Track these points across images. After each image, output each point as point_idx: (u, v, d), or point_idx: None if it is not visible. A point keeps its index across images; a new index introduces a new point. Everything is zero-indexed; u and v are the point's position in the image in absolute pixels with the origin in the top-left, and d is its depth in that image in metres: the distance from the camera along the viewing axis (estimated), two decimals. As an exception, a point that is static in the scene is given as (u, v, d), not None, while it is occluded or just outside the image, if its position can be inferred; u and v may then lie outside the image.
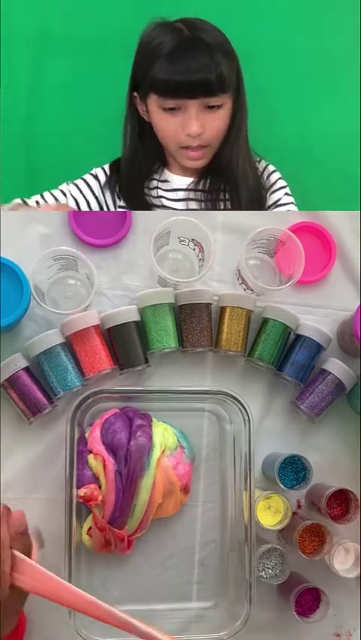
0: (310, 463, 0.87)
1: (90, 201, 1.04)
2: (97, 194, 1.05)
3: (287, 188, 1.05)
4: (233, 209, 1.02)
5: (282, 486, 0.86)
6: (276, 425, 0.94)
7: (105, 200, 1.05)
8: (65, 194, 1.04)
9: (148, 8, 0.99)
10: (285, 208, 1.03)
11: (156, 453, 0.86)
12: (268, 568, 0.88)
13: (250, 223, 0.95)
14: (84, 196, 1.04)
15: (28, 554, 0.70)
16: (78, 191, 1.04)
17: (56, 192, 1.05)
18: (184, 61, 0.92)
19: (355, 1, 1.10)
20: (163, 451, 0.87)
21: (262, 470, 0.93)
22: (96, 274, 0.86)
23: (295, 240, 0.86)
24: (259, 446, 0.92)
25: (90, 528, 0.86)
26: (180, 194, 1.04)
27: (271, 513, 0.89)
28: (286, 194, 1.05)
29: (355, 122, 1.15)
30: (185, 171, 1.04)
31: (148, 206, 1.04)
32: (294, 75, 1.15)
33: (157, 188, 1.05)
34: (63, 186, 1.06)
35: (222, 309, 0.92)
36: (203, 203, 1.03)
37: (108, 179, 1.05)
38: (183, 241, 0.91)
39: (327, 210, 0.98)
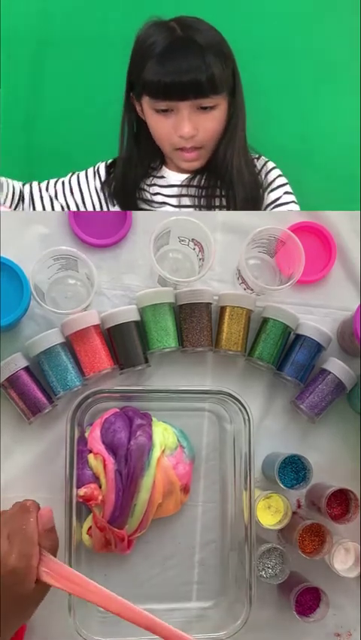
0: (310, 462, 0.87)
1: (92, 197, 1.05)
2: (98, 192, 1.05)
3: (287, 186, 1.04)
4: (228, 207, 1.01)
5: (282, 486, 0.86)
6: (276, 425, 0.94)
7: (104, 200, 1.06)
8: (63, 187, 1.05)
9: (149, 8, 0.99)
10: (285, 208, 1.02)
11: (156, 452, 0.86)
12: (268, 567, 0.88)
13: (250, 223, 0.95)
14: (88, 190, 1.05)
15: (55, 552, 0.74)
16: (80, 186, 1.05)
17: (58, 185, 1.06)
18: (175, 62, 0.91)
19: (355, 1, 1.10)
20: (163, 451, 0.87)
21: (262, 470, 0.93)
22: (96, 274, 0.86)
23: (296, 239, 0.87)
24: (259, 446, 0.92)
25: (90, 528, 0.86)
26: (175, 190, 1.04)
27: (271, 513, 0.89)
28: (287, 192, 1.03)
29: (355, 122, 1.15)
30: (182, 170, 1.04)
31: (136, 206, 1.04)
32: (294, 75, 1.15)
33: (154, 185, 1.05)
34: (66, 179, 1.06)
35: (223, 309, 0.92)
36: (197, 200, 1.02)
37: (104, 182, 1.05)
38: (183, 241, 0.91)
39: (327, 210, 0.98)
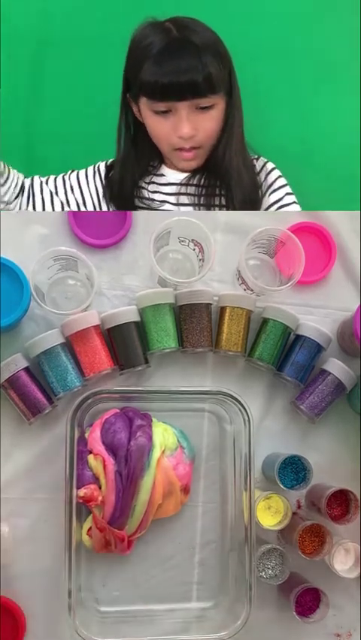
0: (310, 463, 0.87)
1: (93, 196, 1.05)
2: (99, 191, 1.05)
3: (288, 187, 1.04)
4: (227, 205, 1.01)
5: (282, 486, 0.86)
6: (276, 425, 0.94)
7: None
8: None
9: (149, 8, 0.99)
10: (287, 209, 1.02)
11: (156, 453, 0.86)
12: (268, 568, 0.88)
13: (250, 223, 0.95)
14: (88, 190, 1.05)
15: None
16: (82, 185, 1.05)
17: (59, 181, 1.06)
18: (171, 63, 0.91)
19: (355, 1, 1.10)
20: (163, 451, 0.87)
21: (262, 470, 0.93)
22: (96, 274, 0.86)
23: (295, 240, 0.86)
24: (259, 446, 0.92)
25: (90, 528, 0.86)
26: (174, 189, 1.04)
27: (271, 513, 0.89)
28: (288, 193, 1.03)
29: (355, 122, 1.15)
30: (180, 169, 1.04)
31: (134, 206, 1.04)
32: (294, 75, 1.15)
33: (153, 182, 1.05)
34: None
35: (222, 310, 0.92)
36: (196, 198, 1.02)
37: (105, 185, 1.05)
38: (183, 241, 0.91)
39: (327, 210, 0.98)
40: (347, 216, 0.98)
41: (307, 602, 0.88)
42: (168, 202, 1.03)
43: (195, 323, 0.90)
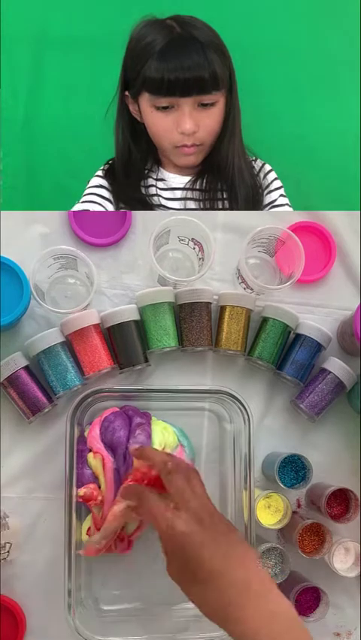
0: (310, 462, 0.87)
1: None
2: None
3: (282, 189, 1.05)
4: (231, 207, 1.01)
5: (282, 485, 0.86)
6: (276, 424, 0.94)
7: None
8: None
9: (149, 8, 0.99)
10: (280, 209, 1.03)
11: (156, 452, 0.86)
12: (268, 567, 0.88)
13: (249, 222, 0.95)
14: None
15: None
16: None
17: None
18: (177, 59, 0.91)
19: (355, 1, 1.11)
20: (163, 450, 0.87)
21: (262, 469, 0.93)
22: (96, 273, 0.86)
23: (295, 239, 0.87)
24: (259, 445, 0.92)
25: (89, 528, 0.86)
26: (178, 194, 1.04)
27: (270, 512, 0.89)
28: (282, 195, 1.04)
29: (355, 122, 1.15)
30: (180, 170, 1.04)
31: (148, 205, 1.04)
32: (294, 75, 1.15)
33: (153, 186, 1.05)
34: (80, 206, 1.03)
35: (222, 308, 0.92)
36: (201, 203, 1.02)
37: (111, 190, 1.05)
38: (182, 240, 0.91)
39: (327, 210, 0.98)
40: (347, 216, 0.98)
41: (307, 601, 0.88)
42: (173, 209, 1.03)
43: (195, 322, 0.90)
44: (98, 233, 0.94)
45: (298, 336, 0.92)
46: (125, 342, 0.89)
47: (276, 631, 0.65)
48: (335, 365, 0.91)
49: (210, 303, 0.91)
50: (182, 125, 0.95)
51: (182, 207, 1.03)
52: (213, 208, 1.02)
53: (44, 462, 0.90)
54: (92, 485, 0.85)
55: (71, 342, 0.88)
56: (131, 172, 1.04)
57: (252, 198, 1.02)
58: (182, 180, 1.04)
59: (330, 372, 0.91)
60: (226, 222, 0.97)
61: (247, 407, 0.87)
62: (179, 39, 0.93)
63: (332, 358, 0.92)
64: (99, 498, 0.84)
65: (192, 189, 1.03)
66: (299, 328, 0.92)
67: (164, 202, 1.04)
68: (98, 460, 0.85)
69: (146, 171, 1.05)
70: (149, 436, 0.86)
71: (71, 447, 0.84)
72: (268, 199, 1.04)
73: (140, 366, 0.90)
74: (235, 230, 0.96)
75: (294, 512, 0.91)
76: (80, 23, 1.13)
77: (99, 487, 0.85)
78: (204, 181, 1.03)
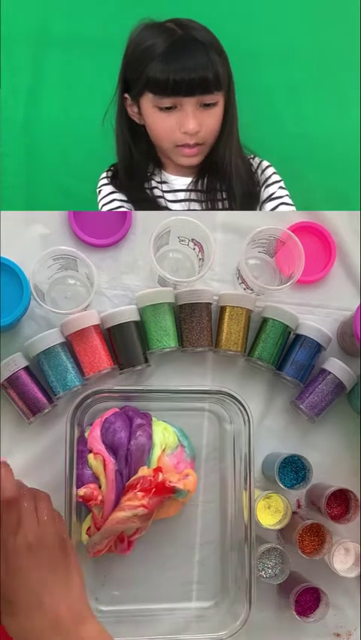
0: (310, 462, 0.87)
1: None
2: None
3: (282, 182, 1.05)
4: (229, 204, 1.01)
5: (282, 486, 0.86)
6: (276, 425, 0.94)
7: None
8: None
9: (149, 9, 0.99)
10: (279, 201, 1.03)
11: (157, 452, 0.86)
12: (268, 568, 0.88)
13: (249, 223, 0.95)
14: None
15: None
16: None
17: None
18: (181, 60, 0.92)
19: (355, 1, 1.11)
20: (164, 450, 0.87)
21: (262, 470, 0.93)
22: (96, 274, 0.86)
23: (295, 239, 0.86)
24: (259, 446, 0.92)
25: (89, 528, 0.86)
26: (181, 195, 1.04)
27: (270, 513, 0.89)
28: (281, 187, 1.04)
29: (355, 122, 1.15)
30: (181, 171, 1.04)
31: (156, 205, 1.04)
32: (294, 75, 1.15)
33: (156, 188, 1.05)
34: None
35: (222, 309, 0.92)
36: (203, 204, 1.03)
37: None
38: (183, 241, 0.91)
39: (327, 210, 0.98)
40: (347, 216, 0.98)
41: (307, 601, 0.88)
42: (174, 209, 1.04)
43: (195, 322, 0.90)
44: (98, 234, 0.94)
45: (298, 336, 0.92)
46: (126, 343, 0.89)
47: None
48: (335, 366, 0.91)
49: (211, 303, 0.91)
50: (186, 124, 0.95)
51: (185, 209, 1.04)
52: (214, 208, 1.02)
53: (44, 462, 0.90)
54: (92, 485, 0.85)
55: (71, 343, 0.88)
56: (134, 173, 1.04)
57: (249, 192, 1.02)
58: (183, 182, 1.04)
59: (330, 372, 0.91)
60: (225, 223, 0.97)
61: (247, 407, 0.87)
62: (181, 41, 0.93)
63: (332, 359, 0.92)
64: (99, 498, 0.84)
65: (194, 190, 1.03)
66: (299, 329, 0.92)
67: (167, 204, 1.04)
68: (99, 461, 0.85)
69: (148, 174, 1.06)
70: (150, 437, 0.86)
71: (71, 447, 0.84)
72: (266, 192, 1.04)
73: (140, 367, 0.90)
74: (235, 231, 0.96)
75: (294, 513, 0.91)
76: (80, 23, 1.13)
77: (99, 488, 0.85)
78: (205, 181, 1.03)
